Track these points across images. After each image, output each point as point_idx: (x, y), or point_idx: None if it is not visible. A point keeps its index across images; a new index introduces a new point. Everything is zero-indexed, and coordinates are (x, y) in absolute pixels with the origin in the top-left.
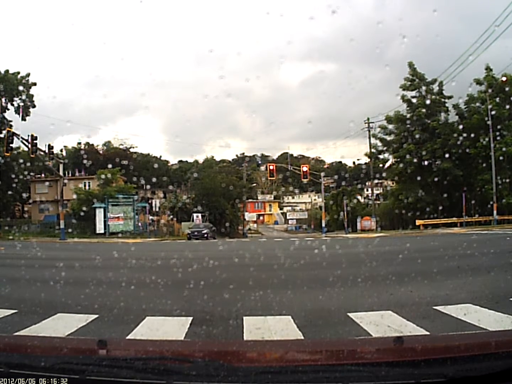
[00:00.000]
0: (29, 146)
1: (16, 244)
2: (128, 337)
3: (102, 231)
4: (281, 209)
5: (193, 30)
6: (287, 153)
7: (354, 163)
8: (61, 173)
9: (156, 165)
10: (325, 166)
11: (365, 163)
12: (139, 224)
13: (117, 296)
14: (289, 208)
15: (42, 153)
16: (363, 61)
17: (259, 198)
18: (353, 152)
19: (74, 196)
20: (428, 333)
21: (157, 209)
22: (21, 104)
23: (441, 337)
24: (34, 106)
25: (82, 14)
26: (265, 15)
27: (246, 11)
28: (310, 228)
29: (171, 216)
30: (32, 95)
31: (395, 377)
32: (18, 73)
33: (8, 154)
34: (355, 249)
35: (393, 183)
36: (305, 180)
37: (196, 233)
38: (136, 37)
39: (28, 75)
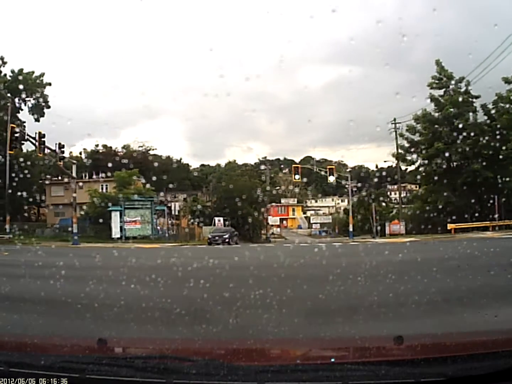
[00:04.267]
0: (37, 144)
1: (23, 249)
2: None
3: (118, 236)
4: (304, 213)
5: (214, 35)
6: (309, 156)
7: (376, 166)
8: (74, 174)
9: (175, 166)
10: (348, 170)
11: (388, 167)
12: (158, 228)
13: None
14: (312, 212)
15: (52, 152)
16: (384, 65)
17: (282, 202)
18: (374, 156)
19: (89, 199)
20: None
21: (177, 213)
22: (35, 103)
23: (441, 336)
24: (48, 107)
25: (105, 15)
26: (287, 17)
27: (268, 14)
28: (334, 233)
29: (192, 220)
30: (47, 95)
31: (395, 376)
32: (33, 72)
33: (11, 152)
34: (400, 257)
35: (416, 187)
36: (331, 179)
37: (217, 237)
38: (160, 42)
39: (42, 74)
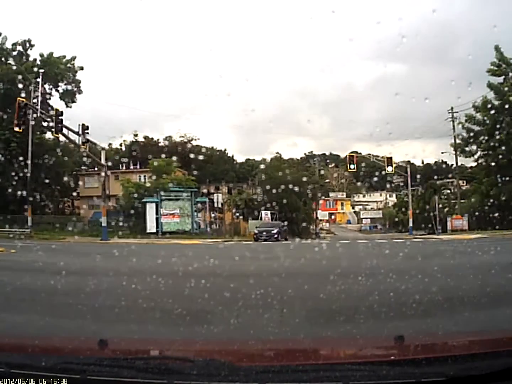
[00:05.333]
0: (53, 124)
1: (39, 245)
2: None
3: (154, 230)
4: (352, 208)
5: (261, 31)
6: (355, 151)
7: (422, 162)
8: (103, 160)
9: (218, 156)
10: (394, 165)
11: (435, 162)
12: (200, 222)
13: None
14: (360, 207)
15: (74, 133)
16: (428, 61)
17: (330, 196)
18: (420, 151)
19: (121, 190)
20: None
21: (220, 205)
22: (66, 89)
23: (441, 336)
24: (80, 92)
25: (151, 9)
26: (331, 13)
27: (313, 9)
28: (385, 228)
29: (237, 214)
30: (79, 80)
31: (395, 376)
32: (64, 56)
33: (19, 130)
34: (490, 256)
35: (463, 182)
36: (389, 170)
37: (264, 233)
38: (206, 37)
39: (74, 58)
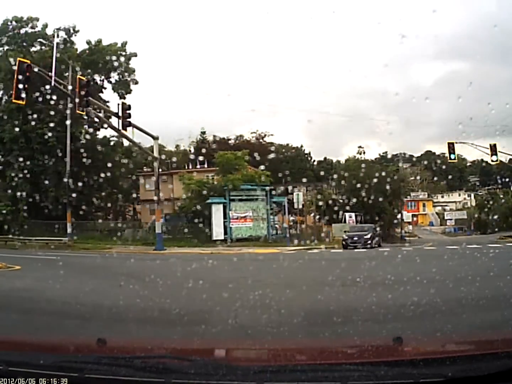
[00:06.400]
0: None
1: (70, 257)
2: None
3: (221, 237)
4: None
5: (329, 33)
6: (429, 151)
7: (492, 161)
8: (155, 153)
9: (294, 153)
10: (468, 164)
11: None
12: (276, 226)
13: None
14: (439, 208)
15: (141, 132)
16: (495, 60)
17: (411, 196)
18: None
19: (183, 187)
20: None
21: (301, 206)
22: (119, 79)
23: (440, 337)
24: (136, 82)
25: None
26: (399, 15)
27: (379, 11)
28: (469, 230)
29: (317, 217)
30: (133, 69)
31: (394, 377)
32: (115, 44)
33: (21, 102)
34: None
35: None
36: (494, 159)
37: (355, 238)
38: (280, 34)
39: (125, 44)
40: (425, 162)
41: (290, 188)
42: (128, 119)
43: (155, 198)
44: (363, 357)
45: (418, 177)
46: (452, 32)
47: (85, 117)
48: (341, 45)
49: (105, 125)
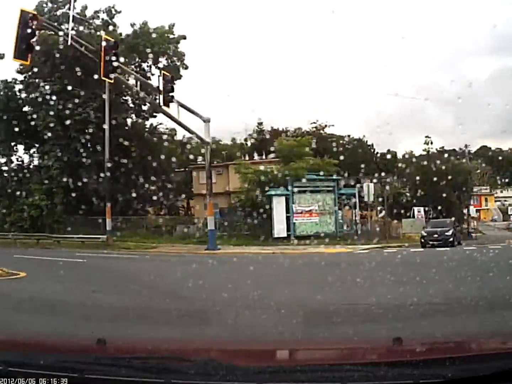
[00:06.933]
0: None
1: (98, 258)
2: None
3: (284, 234)
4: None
5: (387, 28)
6: (485, 146)
7: None
8: (204, 136)
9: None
10: None
11: None
12: (343, 222)
13: None
14: (498, 203)
15: (190, 112)
16: None
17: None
18: None
19: (239, 177)
20: None
21: (372, 199)
22: (167, 64)
23: (440, 338)
24: (186, 67)
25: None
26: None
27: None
28: None
29: (383, 212)
30: (182, 53)
31: (393, 377)
32: (162, 27)
33: (25, 62)
34: None
35: None
36: None
37: (436, 235)
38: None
39: (172, 26)
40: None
41: (350, 182)
42: (170, 93)
43: (207, 189)
44: (363, 357)
45: (478, 171)
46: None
47: (131, 105)
48: (397, 41)
49: (146, 103)
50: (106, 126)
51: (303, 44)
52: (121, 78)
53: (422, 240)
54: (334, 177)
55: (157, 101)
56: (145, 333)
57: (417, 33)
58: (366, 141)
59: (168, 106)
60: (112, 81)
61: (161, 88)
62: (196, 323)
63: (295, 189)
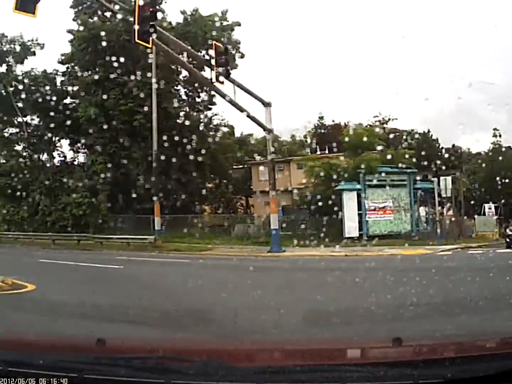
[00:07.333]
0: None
1: (135, 263)
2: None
3: (356, 234)
4: None
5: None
6: None
7: None
8: (265, 122)
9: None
10: None
11: None
12: (418, 219)
13: None
14: None
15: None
16: None
17: None
18: None
19: (304, 171)
20: None
21: (449, 195)
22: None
23: (439, 338)
24: (242, 56)
25: None
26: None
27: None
28: None
29: (451, 209)
30: (238, 41)
31: (393, 378)
32: (215, 14)
33: (221, 83)
34: None
35: None
36: None
37: None
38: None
39: (225, 12)
40: None
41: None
42: (225, 67)
43: (269, 183)
44: (363, 358)
45: None
46: None
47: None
48: (458, 38)
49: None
50: (154, 115)
51: (364, 34)
52: (169, 51)
53: (507, 240)
54: (410, 170)
55: (210, 77)
56: None
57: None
58: (431, 135)
59: (221, 82)
60: (150, 45)
61: (213, 62)
62: None
63: (367, 183)
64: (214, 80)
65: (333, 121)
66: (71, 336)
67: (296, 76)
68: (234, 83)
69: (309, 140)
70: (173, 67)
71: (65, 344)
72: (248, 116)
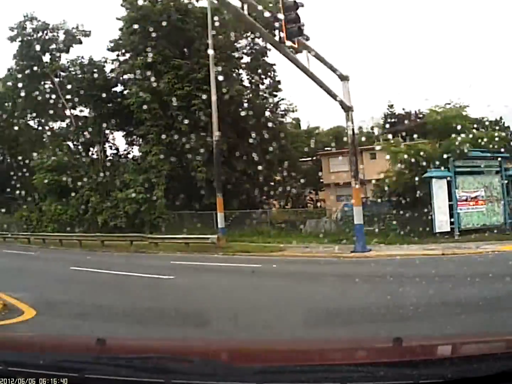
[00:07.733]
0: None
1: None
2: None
3: (447, 228)
4: None
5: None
6: None
7: None
8: (348, 101)
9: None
10: None
11: None
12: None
13: None
14: None
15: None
16: None
17: None
18: None
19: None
20: None
21: None
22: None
23: (440, 338)
24: (307, 38)
25: None
26: None
27: None
28: None
29: None
30: (302, 24)
31: (393, 378)
32: None
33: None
34: None
35: None
36: None
37: None
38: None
39: None
40: None
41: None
42: (296, 25)
43: (351, 170)
44: (363, 358)
45: None
46: None
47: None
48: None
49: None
50: (213, 97)
51: (435, 22)
52: (236, 7)
53: None
54: (503, 154)
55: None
56: None
57: None
58: (504, 123)
59: (293, 42)
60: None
61: (281, 16)
62: None
63: (458, 170)
64: (284, 40)
65: (403, 109)
66: (71, 336)
67: (360, 66)
68: (309, 50)
69: (376, 132)
70: (233, 47)
71: (65, 344)
72: (326, 89)
